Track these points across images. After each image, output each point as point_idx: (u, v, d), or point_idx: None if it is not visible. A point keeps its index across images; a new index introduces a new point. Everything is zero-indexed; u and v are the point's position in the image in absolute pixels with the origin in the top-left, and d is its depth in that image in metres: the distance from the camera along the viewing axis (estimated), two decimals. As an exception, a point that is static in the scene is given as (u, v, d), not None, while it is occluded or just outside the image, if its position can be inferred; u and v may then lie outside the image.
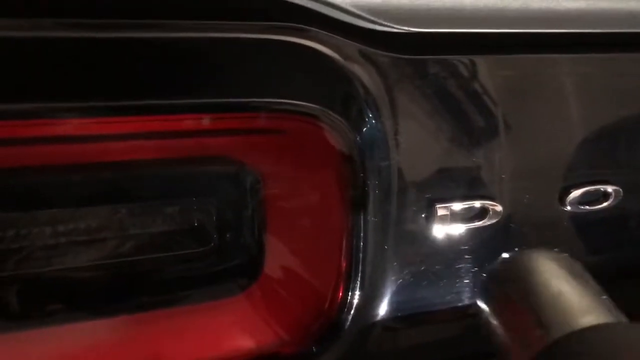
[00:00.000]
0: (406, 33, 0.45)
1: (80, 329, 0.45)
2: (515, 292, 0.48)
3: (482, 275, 0.53)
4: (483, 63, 0.48)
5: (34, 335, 0.44)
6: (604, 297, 0.48)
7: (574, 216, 0.56)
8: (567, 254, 0.54)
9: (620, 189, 0.57)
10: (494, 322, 0.50)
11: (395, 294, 0.52)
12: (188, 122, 0.44)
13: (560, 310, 0.43)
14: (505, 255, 0.53)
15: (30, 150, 0.40)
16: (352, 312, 0.50)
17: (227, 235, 0.49)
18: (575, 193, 0.55)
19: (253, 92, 0.43)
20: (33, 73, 0.37)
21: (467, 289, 0.54)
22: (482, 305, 0.53)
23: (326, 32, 0.44)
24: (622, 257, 0.62)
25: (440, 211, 0.50)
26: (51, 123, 0.38)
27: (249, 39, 0.42)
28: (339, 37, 0.44)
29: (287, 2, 0.43)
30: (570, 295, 0.45)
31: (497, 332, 0.49)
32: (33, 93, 0.36)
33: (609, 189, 0.56)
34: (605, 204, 0.57)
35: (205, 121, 0.44)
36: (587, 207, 0.56)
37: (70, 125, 0.39)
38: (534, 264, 0.51)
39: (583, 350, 0.36)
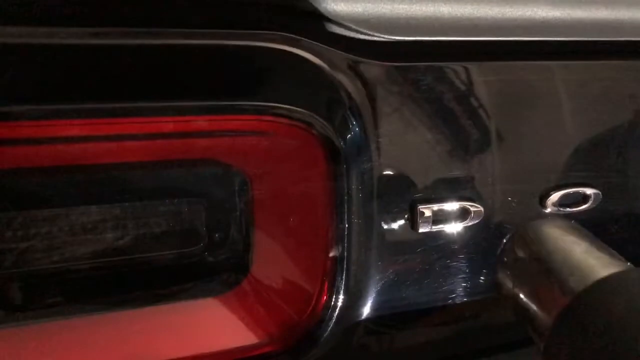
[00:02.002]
0: (387, 41, 0.47)
1: (68, 326, 0.47)
2: (530, 258, 0.49)
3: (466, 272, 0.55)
4: (463, 70, 0.50)
5: (24, 331, 0.46)
6: (613, 251, 0.49)
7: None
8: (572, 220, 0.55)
9: (600, 192, 0.58)
10: (515, 291, 0.52)
11: (379, 294, 0.53)
12: (180, 124, 0.45)
13: (576, 267, 0.44)
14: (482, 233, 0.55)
15: (19, 152, 0.42)
16: (337, 311, 0.51)
17: (216, 235, 0.51)
18: (556, 195, 0.57)
19: (242, 95, 0.45)
20: (25, 77, 0.39)
21: (450, 288, 0.56)
22: (501, 278, 0.55)
23: (313, 41, 0.46)
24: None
25: (423, 212, 0.52)
26: (41, 125, 0.40)
27: (239, 46, 0.44)
28: (324, 46, 0.46)
29: (277, 12, 0.45)
30: (582, 253, 0.46)
31: (520, 300, 0.51)
32: (23, 96, 0.38)
33: (588, 191, 0.58)
34: (585, 206, 0.58)
35: (196, 123, 0.46)
36: (568, 209, 0.58)
37: (61, 127, 0.41)
38: (544, 231, 0.52)
39: (604, 298, 0.37)
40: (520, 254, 0.52)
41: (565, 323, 0.38)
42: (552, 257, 0.46)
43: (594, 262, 0.44)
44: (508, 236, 0.55)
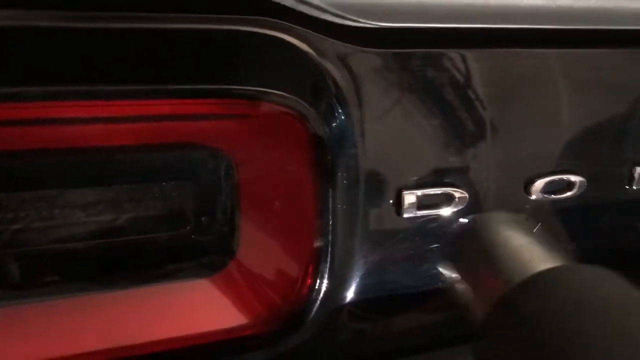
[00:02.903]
0: (373, 28, 0.47)
1: (54, 306, 0.48)
2: (473, 250, 0.50)
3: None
4: (449, 57, 0.50)
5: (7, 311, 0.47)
6: (555, 247, 0.50)
7: (539, 204, 0.58)
8: (521, 214, 0.56)
9: (585, 179, 0.59)
10: (458, 281, 0.53)
11: (364, 278, 0.54)
12: (167, 107, 0.46)
13: (517, 260, 0.45)
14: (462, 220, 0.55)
15: (5, 133, 0.42)
16: (322, 294, 0.52)
17: (203, 218, 0.51)
18: (540, 182, 0.57)
19: (229, 80, 0.45)
20: (17, 59, 0.39)
21: (433, 272, 0.56)
22: (445, 269, 0.56)
23: (299, 27, 0.46)
24: (588, 245, 0.64)
25: (407, 198, 0.52)
26: (26, 107, 0.41)
27: (227, 30, 0.44)
28: (311, 32, 0.46)
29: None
30: (524, 246, 0.47)
31: (461, 290, 0.52)
32: (11, 79, 0.39)
33: (573, 178, 0.58)
34: (569, 193, 0.59)
35: (183, 107, 0.46)
36: (552, 195, 0.58)
37: (47, 109, 0.41)
38: (488, 224, 0.53)
39: (539, 291, 0.38)
40: (465, 244, 0.53)
41: (500, 313, 0.39)
42: (495, 248, 0.47)
43: (534, 256, 0.45)
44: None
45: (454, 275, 0.55)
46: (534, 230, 0.54)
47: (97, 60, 0.41)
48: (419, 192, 0.53)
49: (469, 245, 0.54)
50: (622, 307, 0.36)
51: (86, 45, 0.41)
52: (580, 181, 0.59)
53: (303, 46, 0.46)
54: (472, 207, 0.55)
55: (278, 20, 0.45)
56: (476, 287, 0.51)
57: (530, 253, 0.46)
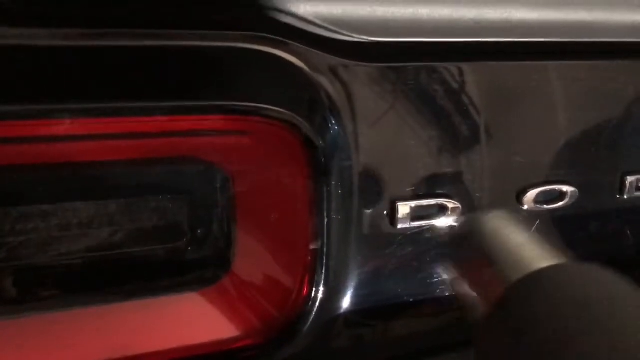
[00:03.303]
0: (366, 42, 0.48)
1: (48, 320, 0.48)
2: (472, 250, 0.50)
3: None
4: (441, 70, 0.51)
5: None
6: (553, 246, 0.51)
7: (531, 214, 0.59)
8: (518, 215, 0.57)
9: (577, 189, 0.60)
10: (457, 283, 0.53)
11: (359, 288, 0.55)
12: (164, 124, 0.46)
13: (516, 259, 0.46)
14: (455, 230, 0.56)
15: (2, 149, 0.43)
16: (317, 304, 0.52)
17: (199, 231, 0.52)
18: (533, 192, 0.58)
19: (224, 96, 0.46)
20: (13, 77, 0.40)
21: (428, 281, 0.57)
22: (440, 276, 0.56)
23: (293, 42, 0.47)
24: (580, 254, 0.65)
25: (401, 209, 0.53)
26: (26, 124, 0.41)
27: (221, 47, 0.45)
28: (304, 47, 0.47)
29: (258, 14, 0.45)
30: (521, 246, 0.47)
31: (461, 291, 0.52)
32: (8, 96, 0.39)
33: (565, 188, 0.59)
34: (561, 203, 0.60)
35: (179, 123, 0.47)
36: (545, 205, 0.59)
37: (45, 127, 0.42)
38: (488, 224, 0.54)
39: (538, 289, 0.39)
40: (465, 244, 0.54)
41: (498, 312, 0.40)
42: (493, 248, 0.47)
43: (533, 255, 0.45)
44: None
45: (453, 276, 0.56)
46: (532, 230, 0.55)
47: (93, 78, 0.42)
48: (413, 204, 0.53)
49: (467, 246, 0.54)
50: (622, 306, 0.37)
51: (82, 63, 0.41)
52: (572, 191, 0.59)
53: (297, 61, 0.47)
54: (465, 218, 0.56)
55: (272, 36, 0.46)
56: (475, 287, 0.51)
57: (529, 252, 0.47)
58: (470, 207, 0.56)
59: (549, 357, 0.34)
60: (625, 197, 0.63)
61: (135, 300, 0.50)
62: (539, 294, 0.38)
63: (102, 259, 0.49)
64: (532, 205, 0.58)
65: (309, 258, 0.52)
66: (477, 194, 0.56)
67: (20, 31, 0.40)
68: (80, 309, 0.49)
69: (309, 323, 0.52)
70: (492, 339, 0.39)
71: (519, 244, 0.47)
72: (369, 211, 0.53)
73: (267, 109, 0.47)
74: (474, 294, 0.50)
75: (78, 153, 0.45)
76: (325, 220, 0.51)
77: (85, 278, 0.49)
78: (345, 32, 0.47)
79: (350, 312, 0.55)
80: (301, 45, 0.47)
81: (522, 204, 0.58)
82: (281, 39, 0.46)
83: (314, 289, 0.52)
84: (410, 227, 0.54)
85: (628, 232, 0.66)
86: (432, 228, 0.55)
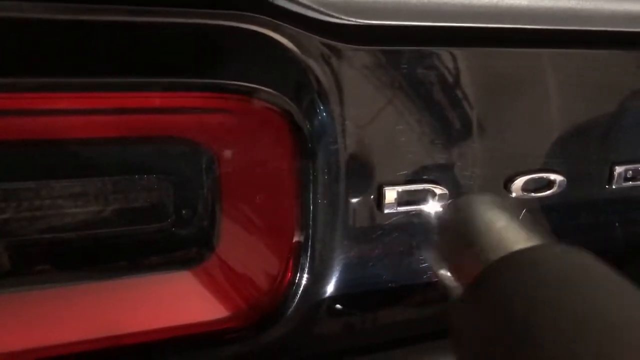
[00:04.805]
0: (356, 25, 0.47)
1: (33, 297, 0.48)
2: (455, 232, 0.50)
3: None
4: (431, 55, 0.50)
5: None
6: (537, 228, 0.51)
7: (519, 202, 0.59)
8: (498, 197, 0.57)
9: (565, 178, 0.60)
10: (437, 262, 0.53)
11: (344, 273, 0.54)
12: (148, 100, 0.46)
13: (495, 239, 0.45)
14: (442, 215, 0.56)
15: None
16: (301, 288, 0.52)
17: (184, 212, 0.51)
18: (520, 180, 0.58)
19: (211, 74, 0.46)
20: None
21: (414, 267, 0.57)
22: (427, 260, 0.56)
23: (282, 23, 0.46)
24: (568, 243, 0.65)
25: (388, 193, 0.53)
26: (7, 97, 0.41)
27: (209, 25, 0.44)
28: (293, 27, 0.46)
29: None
30: (502, 227, 0.47)
31: (442, 271, 0.52)
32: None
33: (553, 177, 0.59)
34: (549, 191, 0.60)
35: (164, 100, 0.47)
36: (532, 194, 0.59)
37: (26, 100, 0.41)
38: (469, 205, 0.53)
39: (513, 268, 0.39)
40: (445, 225, 0.54)
41: (473, 291, 0.39)
42: (475, 229, 0.47)
43: (512, 237, 0.45)
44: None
45: (435, 259, 0.56)
46: (520, 218, 0.55)
47: (80, 52, 0.41)
48: (400, 188, 0.53)
49: (450, 227, 0.54)
50: (600, 285, 0.37)
51: (69, 38, 0.41)
52: (560, 180, 0.59)
53: (286, 42, 0.46)
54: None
55: (262, 16, 0.45)
56: (455, 270, 0.51)
57: (510, 234, 0.47)
58: (457, 194, 0.55)
59: (522, 335, 0.34)
60: (614, 187, 0.62)
61: (120, 279, 0.50)
62: (514, 273, 0.38)
63: (84, 238, 0.49)
64: (520, 192, 0.58)
65: (294, 241, 0.51)
66: (465, 181, 0.56)
67: (9, 4, 0.39)
68: (61, 287, 0.48)
69: (292, 307, 0.52)
70: (466, 316, 0.39)
71: (500, 227, 0.46)
72: (355, 195, 0.52)
73: (254, 88, 0.46)
74: (454, 274, 0.50)
75: (62, 129, 0.45)
76: (311, 203, 0.50)
77: (68, 256, 0.49)
78: (334, 14, 0.47)
79: (335, 297, 0.54)
80: (290, 26, 0.46)
81: (510, 192, 0.58)
82: (270, 19, 0.46)
83: (298, 273, 0.52)
84: (396, 212, 0.54)
85: (615, 222, 0.65)
86: (419, 213, 0.55)
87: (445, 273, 0.52)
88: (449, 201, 0.55)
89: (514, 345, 0.34)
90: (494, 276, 0.39)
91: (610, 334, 0.32)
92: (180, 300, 0.52)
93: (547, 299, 0.35)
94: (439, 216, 0.55)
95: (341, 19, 0.47)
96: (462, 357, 0.40)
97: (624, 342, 0.32)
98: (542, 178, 0.59)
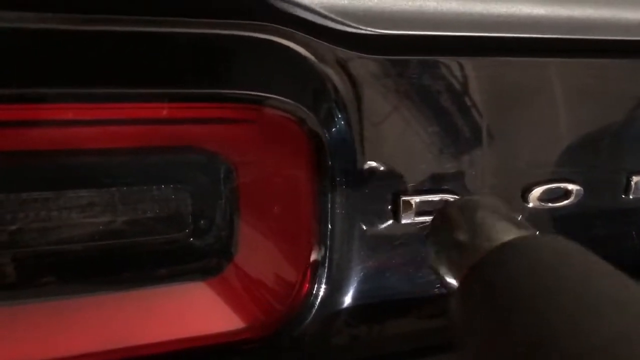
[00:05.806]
0: (373, 35, 0.47)
1: (51, 307, 0.48)
2: (449, 227, 0.50)
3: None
4: (448, 65, 0.51)
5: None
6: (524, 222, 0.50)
7: (536, 212, 0.58)
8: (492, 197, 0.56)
9: (582, 188, 0.59)
10: (434, 258, 0.53)
11: (361, 283, 0.54)
12: (167, 111, 0.46)
13: (486, 231, 0.45)
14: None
15: (4, 134, 0.43)
16: (319, 299, 0.52)
17: (202, 222, 0.51)
18: (538, 190, 0.57)
19: (229, 85, 0.46)
20: (14, 61, 0.39)
21: (431, 278, 0.56)
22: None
23: (300, 33, 0.46)
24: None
25: (406, 204, 0.53)
26: (27, 108, 0.41)
27: (228, 35, 0.44)
28: (311, 38, 0.47)
29: (265, 3, 0.45)
30: (494, 220, 0.47)
31: (437, 266, 0.52)
32: (9, 79, 0.39)
33: (570, 187, 0.59)
34: (566, 201, 0.59)
35: (183, 111, 0.47)
36: (550, 204, 0.59)
37: (47, 110, 0.42)
38: (463, 203, 0.53)
39: (509, 257, 0.39)
40: (439, 223, 0.53)
41: (470, 282, 0.39)
42: (467, 224, 0.47)
43: (503, 228, 0.45)
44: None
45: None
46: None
47: (96, 63, 0.41)
48: (417, 199, 0.53)
49: (440, 225, 0.53)
50: (590, 276, 0.37)
51: (86, 48, 0.41)
52: (577, 190, 0.59)
53: (304, 52, 0.46)
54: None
55: (279, 26, 0.46)
56: (448, 262, 0.51)
57: (498, 225, 0.47)
58: (474, 204, 0.55)
59: (522, 318, 0.34)
60: (631, 197, 0.62)
61: (137, 290, 0.50)
62: (513, 259, 0.38)
63: (102, 248, 0.49)
64: (537, 203, 0.58)
65: (312, 252, 0.51)
66: (482, 191, 0.55)
67: (22, 15, 0.39)
68: (78, 298, 0.48)
69: (310, 317, 0.52)
70: (465, 303, 0.39)
71: (493, 219, 0.47)
72: (373, 205, 0.52)
73: (272, 98, 0.46)
74: (447, 270, 0.50)
75: (80, 139, 0.45)
76: (329, 213, 0.50)
77: (85, 267, 0.49)
78: (352, 24, 0.47)
79: (352, 308, 0.54)
80: (308, 36, 0.46)
81: (527, 202, 0.57)
82: (288, 29, 0.46)
83: (316, 283, 0.52)
84: (414, 223, 0.54)
85: (632, 232, 0.65)
86: (435, 223, 0.54)
87: (443, 270, 0.51)
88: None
89: (511, 330, 0.34)
90: (493, 262, 0.39)
91: (609, 309, 0.32)
92: (197, 311, 0.52)
93: (547, 278, 0.35)
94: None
95: (359, 28, 0.47)
96: (466, 353, 0.40)
97: (630, 314, 0.32)
98: (559, 188, 0.58)
